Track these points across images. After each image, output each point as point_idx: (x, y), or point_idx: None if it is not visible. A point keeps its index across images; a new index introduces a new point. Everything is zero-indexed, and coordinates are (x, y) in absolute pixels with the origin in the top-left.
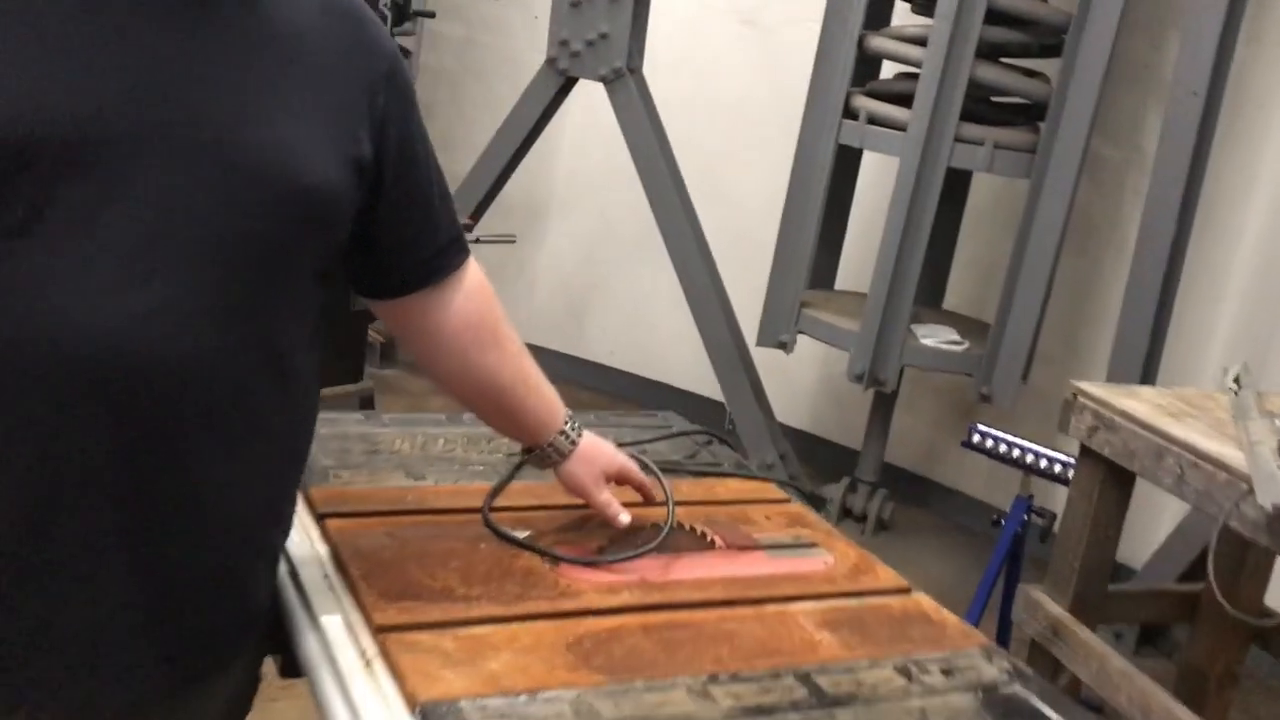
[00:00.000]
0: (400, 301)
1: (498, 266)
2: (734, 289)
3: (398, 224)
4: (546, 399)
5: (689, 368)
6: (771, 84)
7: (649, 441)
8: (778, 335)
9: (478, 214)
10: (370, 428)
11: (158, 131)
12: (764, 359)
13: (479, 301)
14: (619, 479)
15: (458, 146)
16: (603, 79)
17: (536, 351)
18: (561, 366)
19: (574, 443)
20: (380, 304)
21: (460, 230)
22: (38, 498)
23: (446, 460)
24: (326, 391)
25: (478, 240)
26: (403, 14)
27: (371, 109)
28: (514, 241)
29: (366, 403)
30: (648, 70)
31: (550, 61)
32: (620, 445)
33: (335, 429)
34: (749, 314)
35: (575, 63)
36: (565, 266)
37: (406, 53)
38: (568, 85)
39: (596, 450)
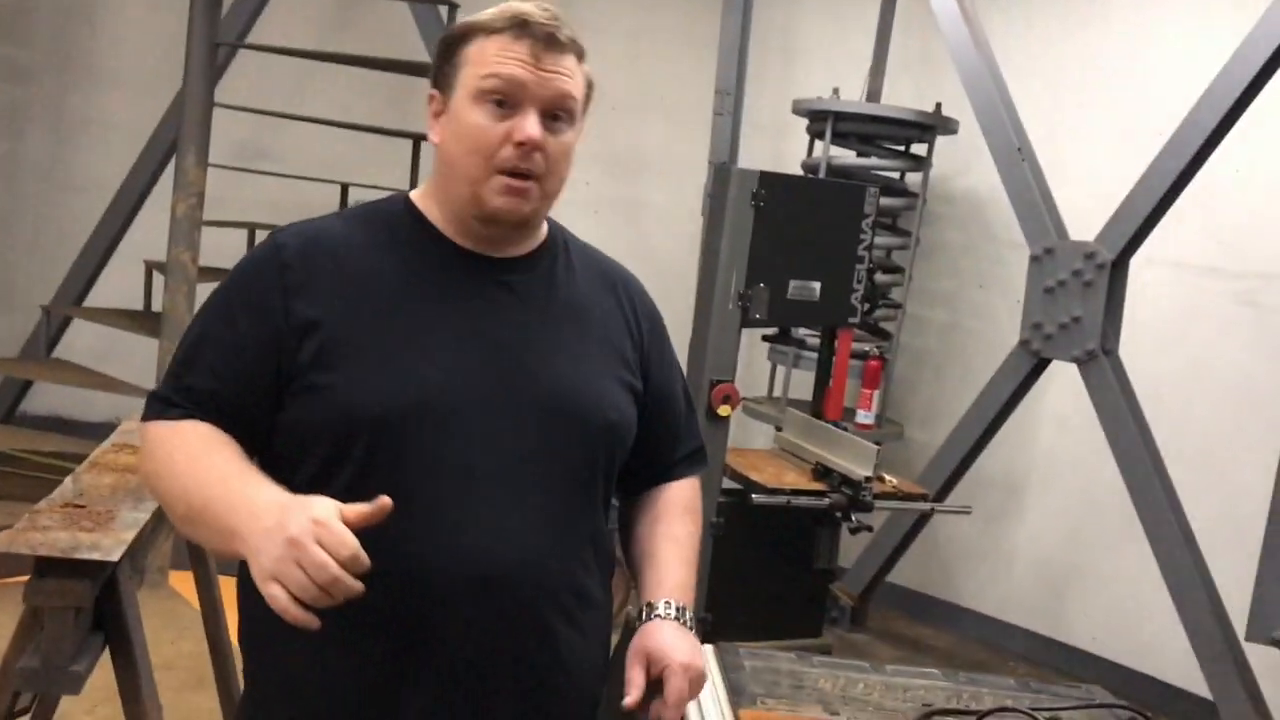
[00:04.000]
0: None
1: (973, 539)
2: (1229, 578)
3: (652, 439)
4: (661, 578)
5: (1181, 660)
6: (1275, 366)
7: (1060, 709)
8: (1270, 632)
9: (948, 487)
10: (800, 666)
11: (504, 394)
12: (1267, 661)
13: (679, 501)
14: (654, 662)
15: (938, 422)
16: (1075, 360)
17: (1012, 631)
18: (1038, 649)
19: (651, 618)
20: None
21: (702, 445)
22: (389, 676)
23: (861, 701)
24: (782, 644)
25: (932, 511)
26: (872, 302)
27: (639, 351)
28: (969, 512)
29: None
30: (1136, 350)
31: (1023, 343)
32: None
33: (769, 663)
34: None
35: (1048, 344)
36: (1045, 545)
37: (886, 334)
38: (1040, 366)
39: (658, 632)
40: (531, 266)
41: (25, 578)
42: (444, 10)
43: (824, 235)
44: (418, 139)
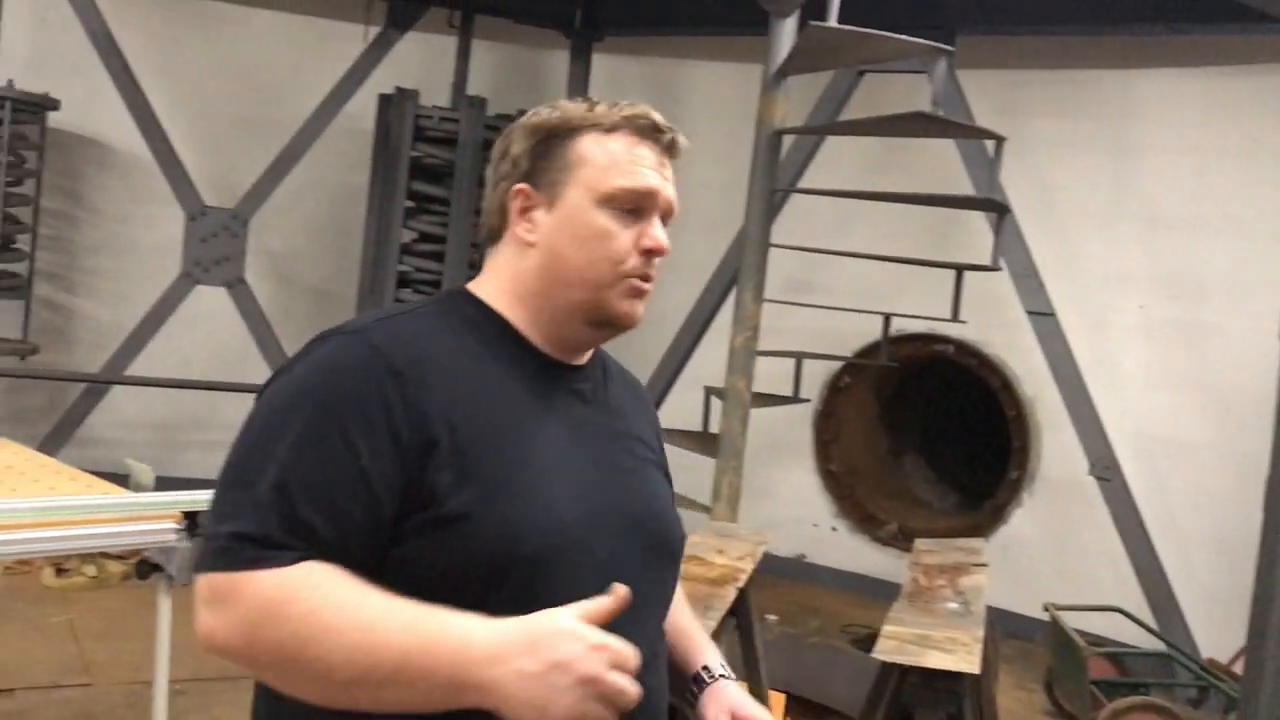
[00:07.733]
0: None
1: None
2: None
3: None
4: (705, 646)
5: None
6: None
7: None
8: None
9: None
10: None
11: (618, 522)
12: None
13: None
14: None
15: None
16: None
17: None
18: None
19: (716, 679)
20: None
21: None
22: None
23: None
24: None
25: None
26: None
27: (662, 453)
28: None
29: None
30: None
31: None
32: None
33: None
34: None
35: None
36: None
37: None
38: None
39: (730, 691)
40: (590, 375)
41: None
42: (990, 145)
43: None
44: (960, 269)
